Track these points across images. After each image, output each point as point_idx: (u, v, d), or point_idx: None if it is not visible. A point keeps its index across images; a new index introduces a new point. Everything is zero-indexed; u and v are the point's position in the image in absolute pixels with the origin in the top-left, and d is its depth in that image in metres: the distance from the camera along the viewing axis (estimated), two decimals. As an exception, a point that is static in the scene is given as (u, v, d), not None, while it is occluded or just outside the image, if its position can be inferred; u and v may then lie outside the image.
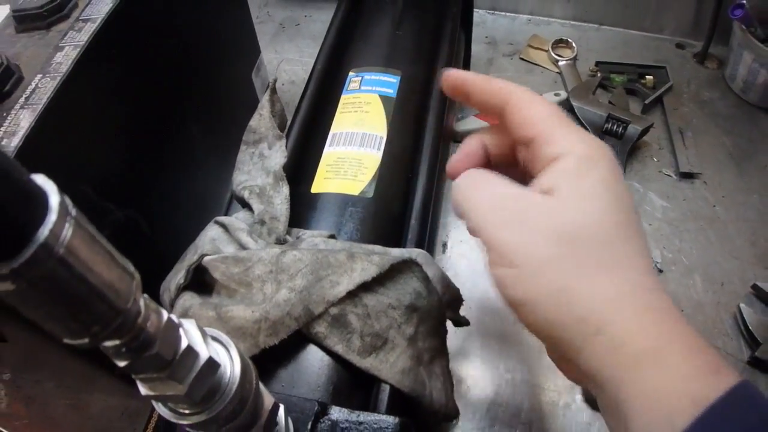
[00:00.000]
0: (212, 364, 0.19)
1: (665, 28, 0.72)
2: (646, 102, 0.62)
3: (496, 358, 0.47)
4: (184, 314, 0.34)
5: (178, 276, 0.35)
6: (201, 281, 0.36)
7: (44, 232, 0.11)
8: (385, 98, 0.45)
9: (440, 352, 0.36)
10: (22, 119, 0.33)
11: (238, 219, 0.38)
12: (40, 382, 0.53)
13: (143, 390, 0.18)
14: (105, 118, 0.40)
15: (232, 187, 0.42)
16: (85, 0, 0.41)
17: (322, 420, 0.29)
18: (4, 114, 0.34)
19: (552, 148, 0.25)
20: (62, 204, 0.12)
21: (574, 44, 0.70)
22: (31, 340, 0.38)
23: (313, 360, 0.32)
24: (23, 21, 0.40)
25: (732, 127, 0.62)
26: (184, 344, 0.17)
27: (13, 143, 0.32)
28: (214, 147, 0.55)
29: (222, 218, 0.38)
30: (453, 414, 0.37)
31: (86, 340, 0.14)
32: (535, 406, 0.44)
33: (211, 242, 0.37)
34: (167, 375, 0.17)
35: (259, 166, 0.42)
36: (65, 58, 0.37)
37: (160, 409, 0.20)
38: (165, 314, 0.16)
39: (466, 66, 0.66)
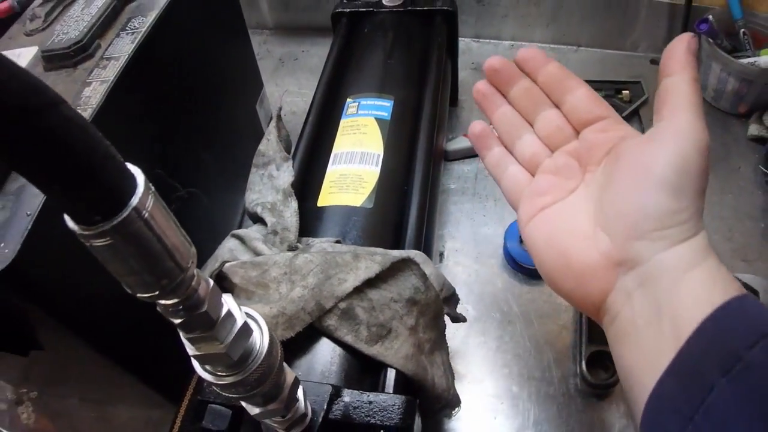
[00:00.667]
0: (246, 329, 0.22)
1: (639, 45, 0.77)
2: (623, 115, 0.67)
3: (493, 355, 0.50)
4: (208, 316, 0.37)
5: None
6: (220, 288, 0.40)
7: (135, 200, 0.15)
8: (380, 120, 0.50)
9: (440, 344, 0.40)
10: None
11: (253, 231, 0.42)
12: (66, 398, 0.56)
13: (191, 351, 0.22)
14: (128, 145, 0.44)
15: (245, 205, 0.46)
16: (108, 40, 0.46)
17: (336, 401, 0.33)
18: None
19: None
20: (146, 182, 0.16)
21: (554, 66, 0.75)
22: (64, 348, 0.42)
23: (326, 350, 0.36)
24: (51, 60, 0.44)
25: (705, 134, 0.66)
26: (225, 309, 0.21)
27: None
28: (224, 173, 0.59)
29: (238, 231, 0.42)
30: (455, 402, 0.40)
31: (156, 293, 0.18)
32: (533, 397, 0.48)
33: (230, 252, 0.41)
34: (211, 335, 0.21)
35: (269, 185, 0.46)
36: (93, 92, 0.41)
37: (202, 372, 0.23)
38: (211, 282, 0.20)
39: (454, 90, 0.71)
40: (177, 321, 0.20)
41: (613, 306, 0.29)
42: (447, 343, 0.41)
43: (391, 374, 0.35)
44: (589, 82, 0.71)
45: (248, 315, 0.24)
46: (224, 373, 0.23)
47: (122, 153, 0.44)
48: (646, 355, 0.26)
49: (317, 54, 0.82)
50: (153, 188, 0.16)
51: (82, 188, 0.14)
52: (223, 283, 0.40)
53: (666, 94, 0.30)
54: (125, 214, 0.15)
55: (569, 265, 0.31)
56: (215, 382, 0.23)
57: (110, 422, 0.54)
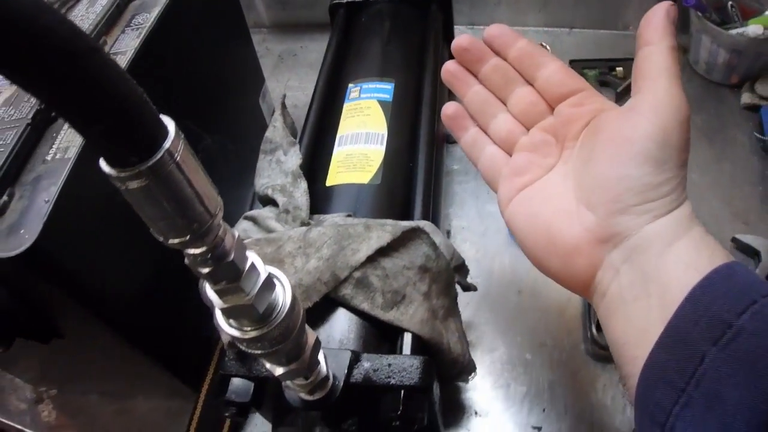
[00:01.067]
0: (270, 282, 0.23)
1: (630, 24, 0.78)
2: (618, 90, 0.68)
3: (504, 325, 0.51)
4: (226, 294, 0.38)
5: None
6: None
7: (168, 143, 0.16)
8: (382, 103, 0.51)
9: (453, 311, 0.41)
10: (74, 135, 0.39)
11: (265, 211, 0.43)
12: (86, 394, 0.57)
13: (218, 303, 0.23)
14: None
15: (255, 190, 0.47)
16: (113, 37, 0.46)
17: (356, 366, 0.34)
18: (55, 134, 0.40)
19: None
20: (177, 128, 0.17)
21: (548, 47, 0.76)
22: (85, 334, 0.43)
23: (343, 319, 0.37)
24: None
25: (700, 105, 0.68)
26: (249, 262, 0.22)
27: (71, 152, 0.37)
28: (230, 166, 0.60)
29: (250, 212, 0.43)
30: (471, 367, 0.41)
31: (187, 237, 0.19)
32: (545, 363, 0.49)
33: (243, 232, 0.42)
34: (237, 286, 0.22)
35: (277, 170, 0.47)
36: (104, 86, 0.42)
37: (227, 327, 0.24)
38: (236, 233, 0.21)
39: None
40: (205, 270, 0.21)
41: (602, 282, 0.29)
42: (460, 311, 0.42)
43: (407, 339, 0.36)
44: (583, 61, 0.74)
45: (271, 273, 0.25)
46: (249, 328, 0.24)
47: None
48: (636, 328, 0.26)
49: (315, 50, 0.84)
50: (183, 135, 0.17)
51: (121, 129, 0.15)
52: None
53: (644, 63, 0.30)
54: (159, 155, 0.16)
55: (554, 243, 0.30)
56: (240, 336, 0.24)
57: (130, 414, 0.55)
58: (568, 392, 0.47)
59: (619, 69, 0.71)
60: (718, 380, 0.22)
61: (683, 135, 0.28)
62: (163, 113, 0.17)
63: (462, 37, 0.36)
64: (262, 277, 0.23)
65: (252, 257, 0.23)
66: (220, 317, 0.24)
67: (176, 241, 0.19)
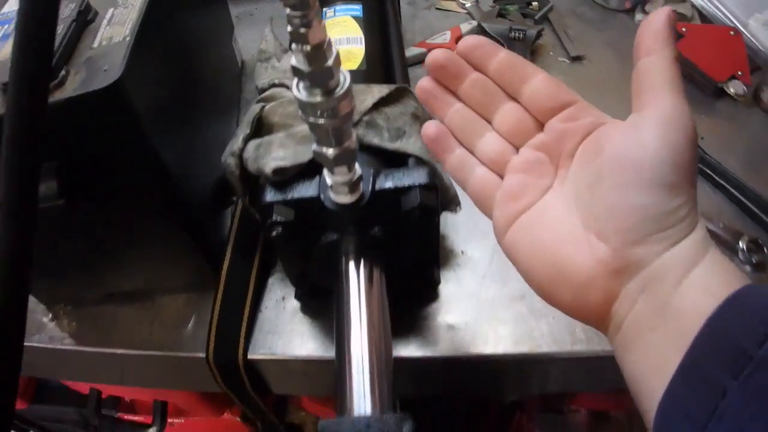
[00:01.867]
0: (339, 60, 0.32)
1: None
2: (536, 18, 0.82)
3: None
4: (257, 147, 0.47)
5: (241, 133, 0.48)
6: (259, 134, 0.49)
7: None
8: (355, 18, 0.61)
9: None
10: (116, 30, 0.45)
11: (273, 90, 0.52)
12: (102, 303, 0.61)
13: (306, 68, 0.31)
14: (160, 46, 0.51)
15: (258, 87, 0.56)
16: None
17: (378, 177, 0.43)
18: (95, 32, 0.46)
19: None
20: None
21: (474, -9, 0.89)
22: (125, 203, 0.48)
23: (360, 155, 0.46)
24: None
25: (602, 26, 0.83)
26: (328, 37, 0.31)
27: (117, 39, 0.43)
28: (211, 99, 0.67)
29: (262, 95, 0.52)
30: (457, 200, 0.51)
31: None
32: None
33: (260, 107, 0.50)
34: (323, 53, 0.31)
35: (273, 72, 0.56)
36: (127, -1, 0.49)
37: (301, 95, 0.32)
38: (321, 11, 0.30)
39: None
40: (303, 30, 0.29)
41: (618, 314, 0.28)
42: (442, 161, 0.52)
43: (412, 164, 0.46)
44: (504, -1, 0.87)
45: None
46: (319, 95, 0.33)
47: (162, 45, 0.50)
48: (654, 359, 0.25)
49: (268, 9, 0.92)
50: None
51: None
52: (261, 131, 0.49)
53: (646, 75, 0.28)
54: None
55: (565, 276, 0.29)
56: (310, 101, 0.32)
57: (150, 310, 0.58)
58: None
59: (535, 3, 0.85)
60: (740, 416, 0.21)
61: (693, 153, 0.26)
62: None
63: (436, 53, 0.34)
64: (334, 51, 0.32)
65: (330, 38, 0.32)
66: (296, 88, 0.33)
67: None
